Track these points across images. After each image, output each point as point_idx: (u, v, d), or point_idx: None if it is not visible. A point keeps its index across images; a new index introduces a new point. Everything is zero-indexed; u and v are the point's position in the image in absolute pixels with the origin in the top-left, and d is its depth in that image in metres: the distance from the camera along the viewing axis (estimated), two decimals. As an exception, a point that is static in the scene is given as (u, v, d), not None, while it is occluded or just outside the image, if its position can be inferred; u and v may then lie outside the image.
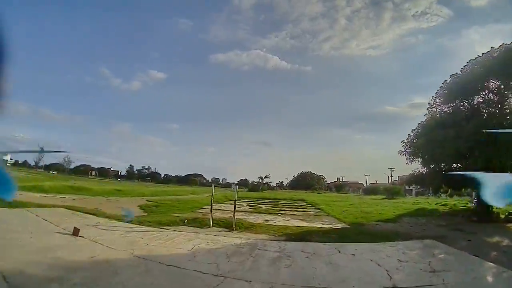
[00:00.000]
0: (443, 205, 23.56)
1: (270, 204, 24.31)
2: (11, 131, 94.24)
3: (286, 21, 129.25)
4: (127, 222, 10.40)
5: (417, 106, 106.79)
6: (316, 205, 24.24)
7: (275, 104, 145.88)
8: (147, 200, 21.21)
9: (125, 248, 6.81)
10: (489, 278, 5.99)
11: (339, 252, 7.46)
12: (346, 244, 8.40)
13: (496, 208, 14.81)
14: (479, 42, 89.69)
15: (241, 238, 8.88)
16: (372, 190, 61.75)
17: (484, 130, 11.71)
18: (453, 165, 16.31)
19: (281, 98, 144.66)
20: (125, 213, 11.56)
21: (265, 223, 12.47)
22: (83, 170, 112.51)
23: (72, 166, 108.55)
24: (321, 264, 6.36)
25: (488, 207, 14.63)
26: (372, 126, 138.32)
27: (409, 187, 56.03)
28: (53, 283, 4.38)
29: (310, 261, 6.57)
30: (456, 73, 17.03)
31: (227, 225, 10.86)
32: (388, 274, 5.72)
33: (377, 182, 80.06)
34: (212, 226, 10.88)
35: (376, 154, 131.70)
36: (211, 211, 11.35)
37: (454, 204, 22.79)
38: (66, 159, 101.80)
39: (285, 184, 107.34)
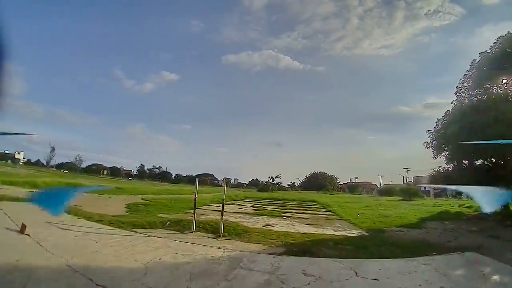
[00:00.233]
0: (467, 207, 21.34)
1: (276, 205, 22.23)
2: (26, 131, 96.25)
3: (298, 21, 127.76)
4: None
5: (430, 106, 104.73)
6: (327, 207, 21.90)
7: (287, 105, 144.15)
8: (142, 199, 19.69)
9: (64, 253, 5.71)
10: None
11: (356, 274, 5.33)
12: (365, 261, 6.24)
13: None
14: (493, 40, 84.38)
15: (224, 249, 6.89)
16: (387, 191, 58.84)
17: None
18: (492, 159, 14.03)
19: (293, 98, 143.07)
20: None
21: (264, 228, 10.40)
22: (95, 169, 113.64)
23: (84, 165, 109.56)
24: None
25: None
26: (385, 126, 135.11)
27: (425, 188, 53.26)
28: None
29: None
30: (486, 51, 14.90)
31: (215, 230, 8.86)
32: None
33: (392, 183, 77.17)
34: (196, 230, 8.96)
35: (390, 155, 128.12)
36: (194, 212, 9.35)
37: (479, 207, 20.21)
38: (78, 158, 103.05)
39: (297, 185, 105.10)
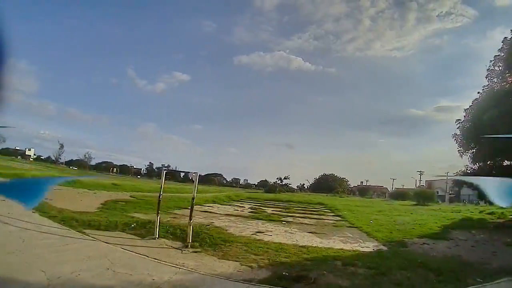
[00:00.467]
0: (489, 213, 18.86)
1: (279, 208, 20.12)
2: (38, 128, 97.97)
3: (309, 22, 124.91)
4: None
5: (443, 110, 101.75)
6: (336, 211, 19.56)
7: (298, 106, 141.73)
8: (130, 196, 18.12)
9: None
10: None
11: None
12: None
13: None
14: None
15: (181, 267, 4.91)
16: (399, 195, 55.68)
17: None
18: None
19: (304, 99, 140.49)
20: None
21: (252, 237, 8.25)
22: (104, 167, 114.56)
23: (93, 163, 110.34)
24: None
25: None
26: (397, 129, 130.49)
27: (438, 193, 50.34)
28: None
29: None
30: None
31: (186, 237, 6.83)
32: None
33: (403, 187, 74.09)
34: (163, 236, 7.05)
35: (401, 158, 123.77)
36: (157, 214, 7.31)
37: (502, 213, 18.04)
38: (87, 156, 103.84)
39: (306, 187, 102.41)
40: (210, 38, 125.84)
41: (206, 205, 17.25)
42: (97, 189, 21.05)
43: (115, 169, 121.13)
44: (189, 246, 6.30)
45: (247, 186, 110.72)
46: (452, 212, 22.72)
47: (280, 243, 7.54)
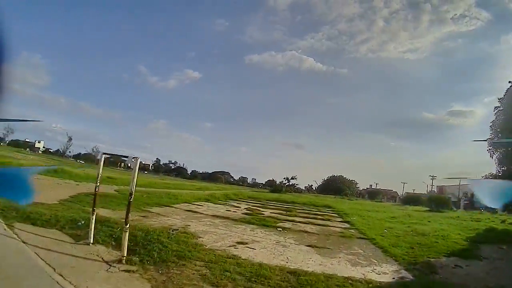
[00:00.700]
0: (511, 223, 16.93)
1: (280, 210, 18.05)
2: (50, 122, 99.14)
3: (322, 22, 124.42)
4: None
5: (456, 114, 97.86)
6: (344, 216, 17.27)
7: (309, 106, 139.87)
8: (115, 190, 16.55)
9: None
10: None
11: None
12: None
13: None
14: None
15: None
16: (411, 199, 52.44)
17: None
18: None
19: (315, 100, 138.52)
20: None
21: (228, 250, 6.19)
22: (112, 162, 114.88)
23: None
24: None
25: None
26: (408, 132, 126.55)
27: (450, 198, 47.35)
28: None
29: None
30: None
31: (129, 246, 4.86)
32: None
33: (414, 191, 71.48)
34: (99, 242, 5.22)
35: (412, 162, 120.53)
36: (92, 213, 5.43)
37: None
38: (95, 149, 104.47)
39: (314, 188, 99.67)
40: (222, 36, 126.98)
41: (196, 203, 15.38)
42: (86, 180, 19.68)
43: (123, 163, 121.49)
44: (123, 261, 4.38)
45: (254, 185, 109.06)
46: (472, 220, 20.29)
47: (261, 264, 5.33)
